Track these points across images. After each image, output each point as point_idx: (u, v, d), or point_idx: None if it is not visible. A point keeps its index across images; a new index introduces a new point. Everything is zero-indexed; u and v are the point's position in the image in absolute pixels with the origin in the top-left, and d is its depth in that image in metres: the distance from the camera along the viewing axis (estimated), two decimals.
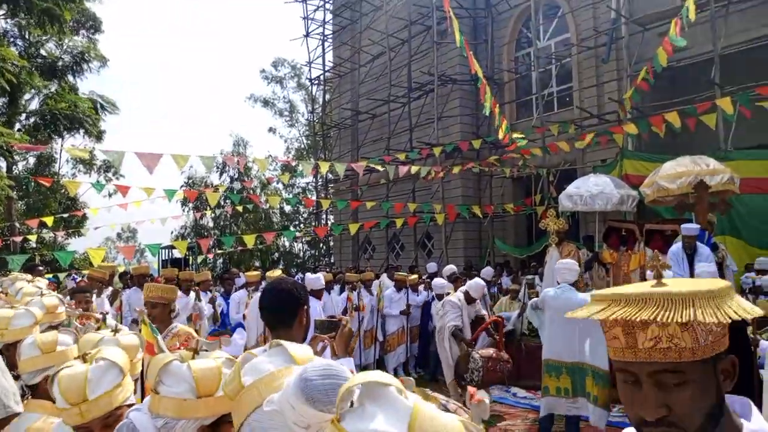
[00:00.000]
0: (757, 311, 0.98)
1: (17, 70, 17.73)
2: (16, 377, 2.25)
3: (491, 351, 6.18)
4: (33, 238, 14.93)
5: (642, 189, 7.98)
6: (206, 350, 1.76)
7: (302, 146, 32.73)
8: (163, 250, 19.69)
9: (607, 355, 5.36)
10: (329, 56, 22.49)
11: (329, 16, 22.15)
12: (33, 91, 20.85)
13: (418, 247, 17.53)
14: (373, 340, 9.05)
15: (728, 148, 10.23)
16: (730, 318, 0.90)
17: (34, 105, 21.69)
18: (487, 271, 10.39)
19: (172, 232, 29.37)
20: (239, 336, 7.01)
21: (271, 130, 33.92)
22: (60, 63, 21.94)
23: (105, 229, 19.69)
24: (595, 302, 1.02)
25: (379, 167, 12.64)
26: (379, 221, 14.94)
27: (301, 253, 30.09)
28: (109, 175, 23.27)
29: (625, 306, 0.95)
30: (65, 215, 17.38)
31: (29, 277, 5.60)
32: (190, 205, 26.28)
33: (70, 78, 22.26)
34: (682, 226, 7.01)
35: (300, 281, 3.50)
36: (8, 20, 20.16)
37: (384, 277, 10.34)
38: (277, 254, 29.04)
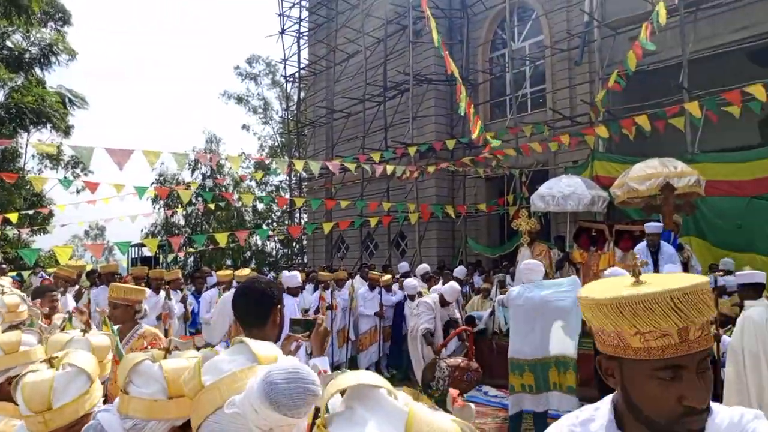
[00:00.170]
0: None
1: None
2: None
3: (459, 360, 6.16)
4: None
5: (612, 190, 8.14)
6: (179, 349, 1.72)
7: (276, 144, 32.48)
8: (133, 248, 19.33)
9: (573, 343, 5.55)
10: (304, 54, 22.38)
11: (305, 14, 22.02)
12: None
13: (392, 246, 17.56)
14: (345, 339, 9.04)
15: (695, 151, 10.48)
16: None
17: None
18: (460, 270, 10.46)
19: (142, 230, 28.86)
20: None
21: (244, 127, 33.59)
22: (27, 55, 21.35)
23: (72, 227, 19.28)
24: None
25: (352, 167, 12.61)
26: (353, 220, 14.92)
27: (274, 252, 29.86)
28: (77, 171, 22.73)
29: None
30: (30, 212, 16.91)
31: None
32: (161, 202, 25.86)
33: (38, 71, 21.68)
34: (645, 224, 7.19)
35: (273, 280, 3.47)
36: None
37: (357, 278, 10.31)
38: (249, 253, 28.76)
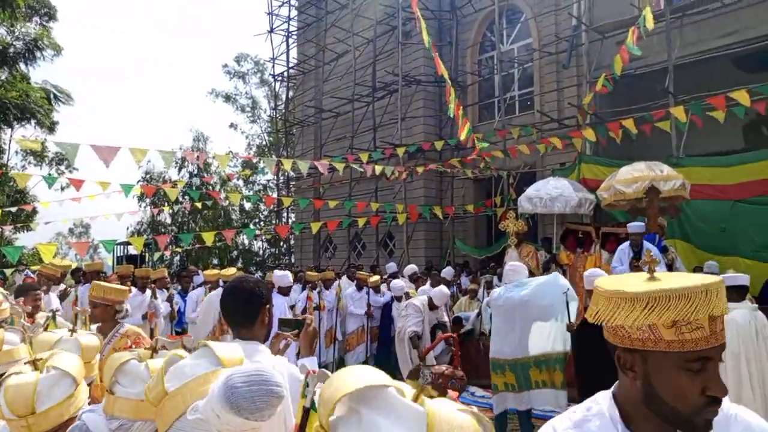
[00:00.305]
0: None
1: None
2: None
3: (444, 367, 6.16)
4: None
5: (599, 192, 8.20)
6: (166, 349, 1.70)
7: (264, 143, 32.34)
8: (119, 247, 19.15)
9: (556, 340, 5.61)
10: (293, 53, 22.29)
11: (294, 13, 21.95)
12: None
13: (380, 246, 17.55)
14: (332, 339, 9.02)
15: (680, 155, 10.59)
16: None
17: None
18: (448, 271, 10.48)
19: (127, 228, 28.59)
20: None
21: (232, 125, 33.36)
22: (11, 50, 21.05)
23: (56, 224, 19.02)
24: (659, 296, 1.06)
25: (340, 167, 12.59)
26: (341, 220, 14.89)
27: (261, 252, 29.72)
28: (62, 168, 22.46)
29: (708, 297, 1.05)
30: (13, 209, 16.68)
31: None
32: (148, 200, 25.64)
33: (22, 66, 21.38)
34: (628, 224, 7.28)
35: (261, 279, 3.45)
36: None
37: (344, 279, 10.28)
38: (235, 252, 28.61)
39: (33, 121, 20.57)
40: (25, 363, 1.69)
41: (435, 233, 17.06)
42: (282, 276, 7.14)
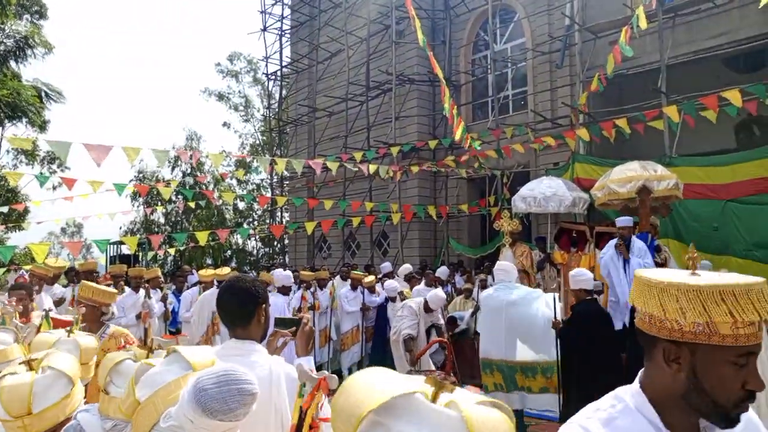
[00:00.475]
0: None
1: None
2: None
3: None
4: None
5: (593, 192, 8.23)
6: (162, 348, 1.69)
7: (257, 142, 32.26)
8: (112, 246, 19.05)
9: (541, 349, 5.65)
10: (287, 52, 22.25)
11: (287, 11, 21.90)
12: None
13: (374, 246, 17.55)
14: (327, 339, 9.01)
15: (672, 154, 10.65)
16: None
17: None
18: (443, 270, 10.50)
19: (120, 228, 28.46)
20: None
21: (225, 124, 33.24)
22: (1, 47, 20.89)
23: (49, 224, 18.88)
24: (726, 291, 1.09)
25: (334, 166, 12.57)
26: (336, 220, 14.88)
27: (255, 251, 29.65)
28: (54, 167, 22.32)
29: (765, 295, 1.09)
30: (5, 209, 16.54)
31: None
32: (141, 200, 25.51)
33: (13, 64, 21.22)
34: (616, 219, 7.35)
35: (257, 278, 3.44)
36: None
37: (337, 278, 10.27)
38: (229, 252, 28.53)
39: (24, 120, 20.43)
40: (19, 363, 1.67)
41: (429, 233, 17.07)
42: (284, 275, 7.21)
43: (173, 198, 23.54)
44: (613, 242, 7.20)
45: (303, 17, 21.02)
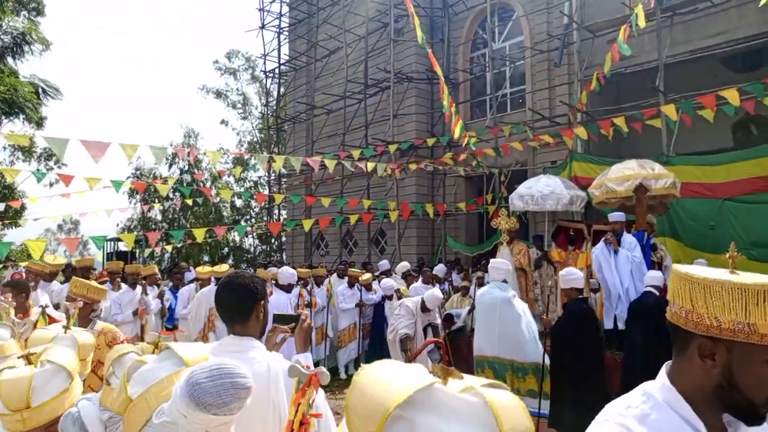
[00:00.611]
0: None
1: None
2: None
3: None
4: None
5: (590, 190, 8.24)
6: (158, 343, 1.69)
7: (255, 139, 32.21)
8: (109, 243, 19.03)
9: (531, 349, 5.76)
10: (285, 49, 22.20)
11: (285, 9, 21.85)
12: None
13: (372, 244, 17.55)
14: (323, 336, 9.01)
15: (670, 153, 10.67)
16: None
17: None
18: (440, 268, 10.50)
19: (117, 225, 28.42)
20: None
21: (223, 122, 33.20)
22: None
23: (45, 221, 18.81)
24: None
25: (332, 164, 12.55)
26: (333, 218, 14.88)
27: (252, 248, 29.64)
28: (50, 164, 22.25)
29: None
30: (1, 206, 16.50)
31: None
32: (138, 197, 25.46)
33: (10, 60, 21.14)
34: (609, 214, 7.39)
35: (256, 275, 3.43)
36: None
37: (334, 276, 10.27)
38: (227, 249, 28.51)
39: (21, 116, 20.36)
40: (18, 357, 1.67)
41: (427, 230, 17.08)
42: (288, 273, 7.26)
43: (170, 195, 23.50)
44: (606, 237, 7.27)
45: (301, 15, 20.99)
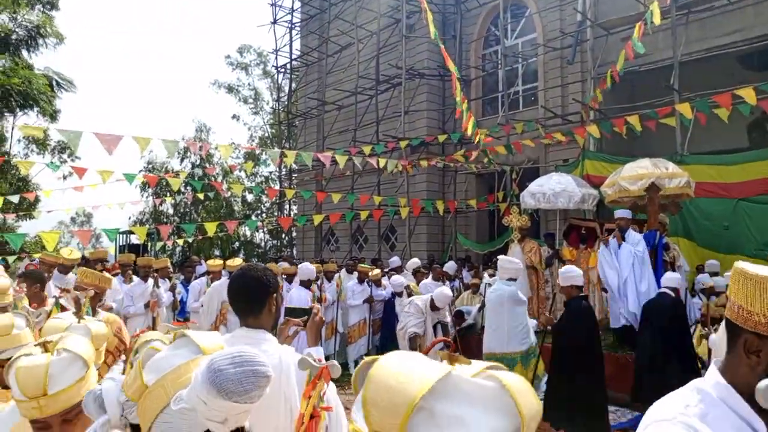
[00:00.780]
0: None
1: None
2: None
3: None
4: None
5: (603, 189, 8.18)
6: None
7: (266, 135, 32.29)
8: (121, 236, 19.18)
9: (527, 337, 5.95)
10: (296, 44, 22.22)
11: (298, 4, 21.86)
12: None
13: (382, 240, 17.56)
14: (333, 331, 9.04)
15: (684, 152, 10.57)
16: None
17: None
18: (451, 265, 10.49)
19: (129, 218, 28.62)
20: None
21: (234, 117, 33.32)
22: (14, 36, 21.01)
23: (59, 213, 19.01)
24: None
25: (343, 160, 12.57)
26: (344, 213, 14.89)
27: (263, 243, 29.76)
28: (64, 156, 22.46)
29: None
30: (15, 197, 16.66)
31: None
32: (150, 190, 25.63)
33: (24, 53, 21.35)
34: (615, 211, 7.38)
35: (268, 268, 3.44)
36: None
37: (342, 272, 10.28)
38: (237, 243, 28.65)
39: (36, 109, 20.56)
40: (35, 345, 1.69)
41: (437, 227, 17.06)
42: (308, 269, 7.35)
43: (182, 189, 23.63)
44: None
45: (313, 10, 20.98)
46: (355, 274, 9.44)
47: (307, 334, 2.42)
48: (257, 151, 23.59)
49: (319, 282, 8.90)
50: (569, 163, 12.79)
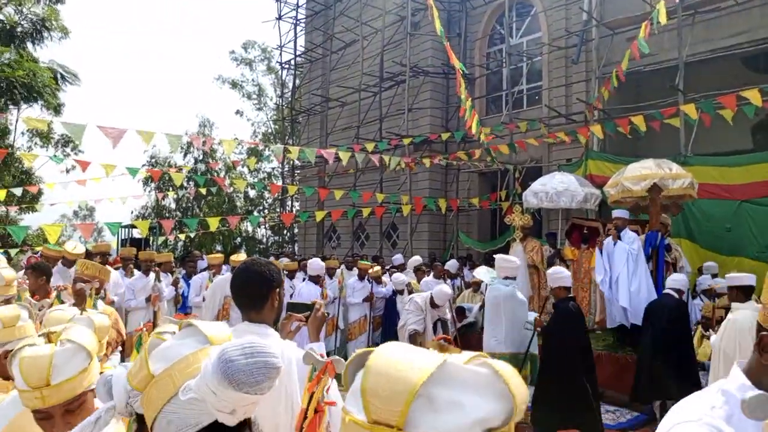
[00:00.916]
0: None
1: None
2: None
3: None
4: None
5: (606, 189, 8.17)
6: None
7: (269, 131, 32.29)
8: (123, 230, 19.20)
9: (518, 340, 5.90)
10: (301, 41, 22.20)
11: (303, 0, 21.85)
12: None
13: (383, 237, 17.56)
14: (334, 327, 9.05)
15: (688, 153, 10.55)
16: None
17: None
18: (452, 263, 10.48)
19: (132, 212, 28.67)
20: None
21: (238, 112, 33.34)
22: (19, 29, 21.03)
23: (61, 207, 19.06)
24: None
25: (346, 156, 12.57)
26: (346, 210, 14.89)
27: (264, 239, 29.78)
28: (68, 150, 22.49)
29: None
30: (19, 190, 16.70)
31: None
32: (152, 185, 25.66)
33: (30, 46, 21.37)
34: (613, 211, 7.39)
35: (272, 262, 3.45)
36: None
37: (342, 268, 10.28)
38: (239, 239, 28.68)
39: (40, 102, 20.59)
40: (39, 335, 1.69)
41: (439, 226, 17.06)
42: (319, 265, 7.38)
43: (185, 184, 23.66)
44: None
45: (318, 6, 20.96)
46: (356, 270, 9.45)
47: (308, 329, 2.42)
48: (260, 147, 23.60)
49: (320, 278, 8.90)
50: (572, 162, 12.78)
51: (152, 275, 7.36)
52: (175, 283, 7.96)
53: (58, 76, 21.76)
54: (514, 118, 14.43)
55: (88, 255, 8.17)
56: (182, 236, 19.40)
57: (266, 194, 28.95)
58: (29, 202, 18.48)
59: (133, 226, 18.50)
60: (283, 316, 2.46)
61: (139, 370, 1.14)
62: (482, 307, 8.13)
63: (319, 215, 13.87)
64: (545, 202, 9.51)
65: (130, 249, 9.19)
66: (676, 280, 6.03)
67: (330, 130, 19.70)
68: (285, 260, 9.96)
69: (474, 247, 15.63)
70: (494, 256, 6.75)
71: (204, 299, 7.41)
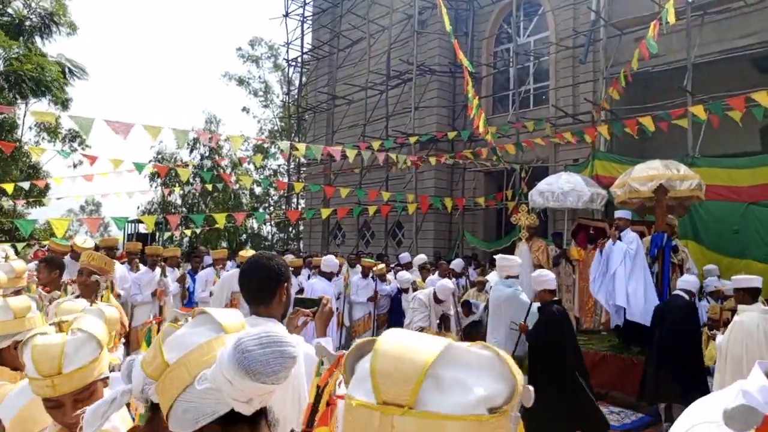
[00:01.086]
0: None
1: None
2: None
3: None
4: None
5: (613, 189, 8.14)
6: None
7: (276, 128, 32.31)
8: (129, 225, 19.29)
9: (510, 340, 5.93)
10: (308, 38, 22.23)
11: None
12: None
13: (389, 236, 17.57)
14: (340, 324, 9.06)
15: (695, 154, 10.50)
16: None
17: None
18: (458, 262, 10.47)
19: (138, 208, 28.75)
20: None
21: (244, 109, 33.32)
22: (27, 23, 21.13)
23: (68, 201, 19.13)
24: None
25: (353, 154, 12.57)
26: (351, 208, 14.90)
27: (270, 236, 29.83)
28: (75, 145, 22.57)
29: None
30: (26, 184, 16.78)
31: None
32: (159, 180, 25.73)
33: (38, 40, 21.47)
34: (615, 211, 7.40)
35: (280, 257, 3.46)
36: None
37: (346, 265, 10.27)
38: (245, 236, 28.73)
39: (48, 96, 20.67)
40: (50, 324, 1.70)
41: (444, 224, 17.05)
42: (332, 262, 7.42)
43: (191, 180, 23.71)
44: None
45: (325, 4, 20.97)
46: (359, 268, 9.46)
47: (316, 324, 2.43)
48: (266, 144, 23.62)
49: None
50: (579, 162, 12.74)
51: (158, 270, 7.38)
52: (181, 280, 7.99)
53: (66, 70, 21.85)
54: (521, 118, 14.40)
55: (96, 249, 8.22)
56: (188, 232, 19.46)
57: (272, 191, 28.99)
58: (37, 196, 18.56)
59: (139, 221, 18.58)
60: (290, 311, 2.47)
61: (154, 358, 1.13)
62: (486, 307, 8.14)
63: (325, 213, 13.89)
64: (551, 201, 9.49)
65: (135, 243, 9.21)
66: (686, 282, 6.01)
67: (336, 128, 19.72)
68: (290, 257, 9.97)
69: (479, 246, 15.61)
70: (496, 256, 6.75)
71: (211, 294, 7.44)
